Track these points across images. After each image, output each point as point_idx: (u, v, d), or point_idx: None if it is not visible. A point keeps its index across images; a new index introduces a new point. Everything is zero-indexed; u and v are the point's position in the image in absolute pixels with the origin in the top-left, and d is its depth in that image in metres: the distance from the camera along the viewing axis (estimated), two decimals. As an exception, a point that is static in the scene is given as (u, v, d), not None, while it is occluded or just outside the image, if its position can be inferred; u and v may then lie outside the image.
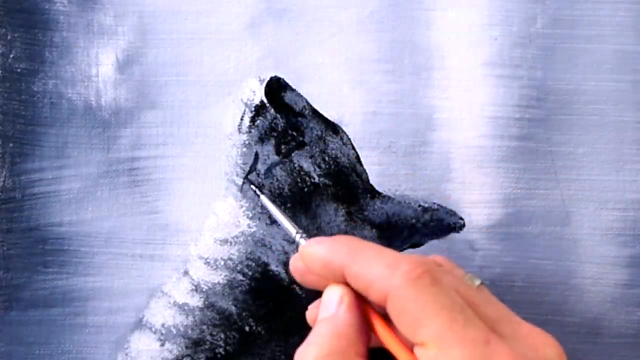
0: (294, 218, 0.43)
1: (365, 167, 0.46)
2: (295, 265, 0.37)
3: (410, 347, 0.31)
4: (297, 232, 0.38)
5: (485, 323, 0.30)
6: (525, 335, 0.31)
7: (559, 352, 0.31)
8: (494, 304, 0.33)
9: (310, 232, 0.43)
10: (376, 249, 0.33)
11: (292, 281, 0.42)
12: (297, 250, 0.37)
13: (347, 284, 0.34)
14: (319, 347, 0.33)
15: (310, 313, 0.37)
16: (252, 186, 0.42)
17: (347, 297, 0.33)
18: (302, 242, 0.37)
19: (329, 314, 0.34)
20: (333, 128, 0.45)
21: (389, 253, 0.33)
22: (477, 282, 0.33)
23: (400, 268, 0.31)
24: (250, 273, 0.42)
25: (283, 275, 0.42)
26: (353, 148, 0.45)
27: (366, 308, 0.34)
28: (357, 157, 0.45)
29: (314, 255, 0.34)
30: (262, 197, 0.42)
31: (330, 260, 0.34)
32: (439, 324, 0.29)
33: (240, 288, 0.42)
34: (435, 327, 0.29)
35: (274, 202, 0.41)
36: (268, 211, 0.42)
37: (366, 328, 0.33)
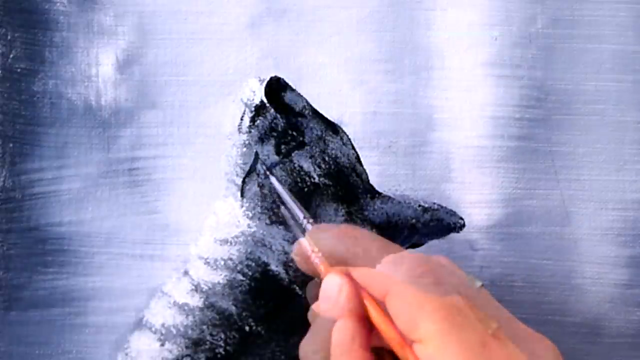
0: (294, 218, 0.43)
1: (365, 167, 0.46)
2: (300, 250, 0.37)
3: (409, 343, 0.31)
4: (304, 217, 0.38)
5: (484, 325, 0.30)
6: (523, 338, 0.31)
7: (556, 356, 0.31)
8: (495, 307, 0.33)
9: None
10: (381, 243, 0.33)
11: (292, 281, 0.42)
12: (303, 235, 0.37)
13: (348, 273, 0.34)
14: (320, 341, 0.33)
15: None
16: (264, 166, 0.42)
17: (347, 287, 0.33)
18: (309, 227, 0.38)
19: (329, 305, 0.33)
20: (333, 128, 0.45)
21: (393, 249, 0.33)
22: (479, 283, 0.33)
23: (404, 265, 0.31)
24: (250, 273, 0.42)
25: (283, 275, 0.42)
26: (353, 148, 0.45)
27: (367, 298, 0.34)
28: (357, 157, 0.45)
29: (319, 243, 0.35)
30: (272, 178, 0.42)
31: (335, 249, 0.34)
32: (436, 323, 0.30)
33: (240, 288, 0.42)
34: (433, 325, 0.30)
35: (282, 185, 0.42)
36: (276, 195, 0.42)
37: (368, 318, 0.33)
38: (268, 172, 0.42)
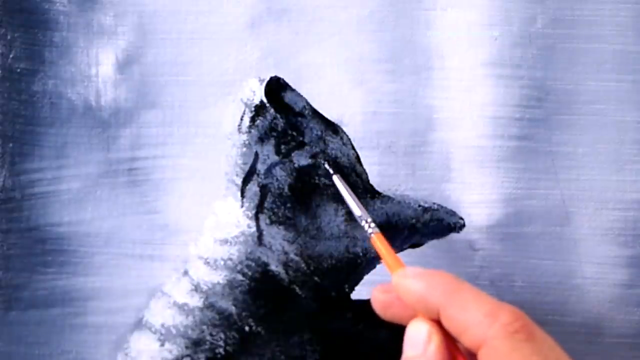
0: (294, 218, 0.43)
1: (365, 167, 0.46)
2: (379, 297, 0.35)
3: None
4: (366, 223, 0.39)
5: None
6: None
7: None
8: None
9: (310, 232, 0.43)
10: (474, 293, 0.32)
11: (292, 281, 0.42)
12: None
13: (435, 321, 0.33)
14: None
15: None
16: (327, 164, 0.43)
17: (437, 336, 0.32)
18: (370, 229, 0.38)
19: (417, 353, 0.32)
20: (333, 128, 0.45)
21: (487, 300, 0.32)
22: None
23: (499, 319, 0.31)
24: (250, 273, 0.42)
25: (283, 275, 0.42)
26: (353, 148, 0.45)
27: (454, 348, 0.33)
28: (357, 157, 0.45)
29: (409, 289, 0.34)
30: (335, 177, 0.42)
31: (427, 297, 0.33)
32: None
33: (240, 288, 0.42)
34: None
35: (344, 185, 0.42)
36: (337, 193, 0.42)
37: None
38: (331, 170, 0.43)
